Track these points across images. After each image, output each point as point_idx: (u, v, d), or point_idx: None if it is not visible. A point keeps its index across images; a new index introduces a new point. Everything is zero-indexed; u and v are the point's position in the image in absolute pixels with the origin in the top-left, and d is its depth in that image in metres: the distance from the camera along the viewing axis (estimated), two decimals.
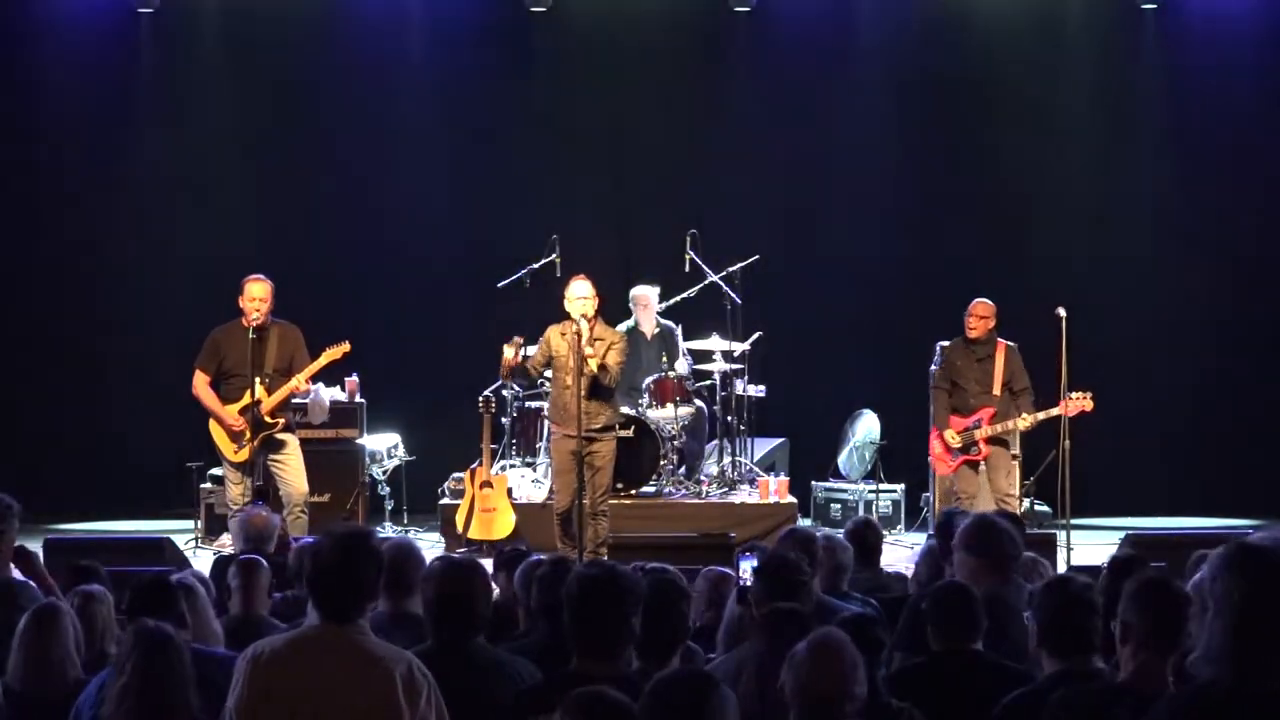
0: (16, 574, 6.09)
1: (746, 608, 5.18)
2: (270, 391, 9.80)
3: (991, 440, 10.72)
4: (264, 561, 6.23)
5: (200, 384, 9.92)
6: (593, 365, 9.72)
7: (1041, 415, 10.68)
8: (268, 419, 9.80)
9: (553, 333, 10.05)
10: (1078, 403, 10.51)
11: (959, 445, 10.70)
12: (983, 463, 10.72)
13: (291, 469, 9.97)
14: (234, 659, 4.34)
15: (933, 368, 11.15)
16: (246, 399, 9.75)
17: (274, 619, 5.93)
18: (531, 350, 10.25)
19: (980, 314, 10.79)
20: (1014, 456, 11.57)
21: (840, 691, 3.87)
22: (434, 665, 4.46)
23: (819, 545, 6.34)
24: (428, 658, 4.57)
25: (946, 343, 11.10)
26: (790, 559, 5.38)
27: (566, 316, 9.95)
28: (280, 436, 9.95)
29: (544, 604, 5.25)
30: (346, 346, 10.05)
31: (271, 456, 9.94)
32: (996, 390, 10.71)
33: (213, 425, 9.95)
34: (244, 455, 9.83)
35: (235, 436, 9.84)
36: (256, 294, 9.79)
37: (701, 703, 3.55)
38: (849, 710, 3.88)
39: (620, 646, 4.33)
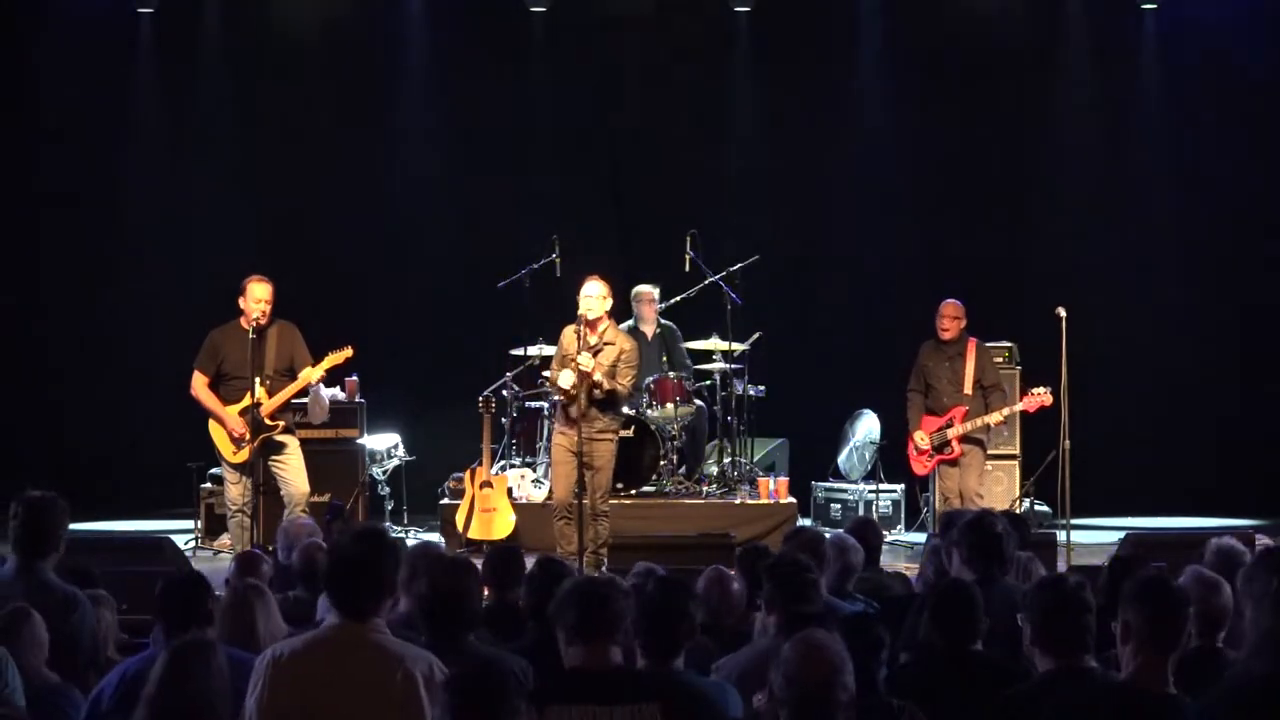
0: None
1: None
2: (271, 393, 9.74)
3: (966, 440, 10.75)
4: (265, 559, 6.23)
5: (199, 385, 9.87)
6: (599, 377, 9.70)
7: (1006, 411, 10.78)
8: (268, 421, 9.77)
9: (567, 332, 9.98)
10: (1037, 399, 10.61)
11: (929, 446, 10.75)
12: (957, 461, 10.75)
13: (292, 469, 9.93)
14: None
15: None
16: (246, 400, 9.71)
17: None
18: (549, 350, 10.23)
19: (951, 314, 10.88)
20: (1013, 457, 11.61)
21: (830, 680, 3.88)
22: None
23: (826, 545, 6.35)
24: None
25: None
26: (800, 560, 5.42)
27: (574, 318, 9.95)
28: (280, 438, 9.90)
29: (534, 604, 5.26)
30: (349, 351, 9.99)
31: (272, 457, 9.90)
32: (967, 389, 10.77)
33: (212, 425, 9.91)
34: (243, 456, 9.78)
35: (235, 438, 9.82)
36: (260, 294, 9.70)
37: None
38: (842, 700, 3.88)
39: (613, 641, 4.36)
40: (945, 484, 10.85)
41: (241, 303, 9.77)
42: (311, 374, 9.80)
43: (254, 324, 9.60)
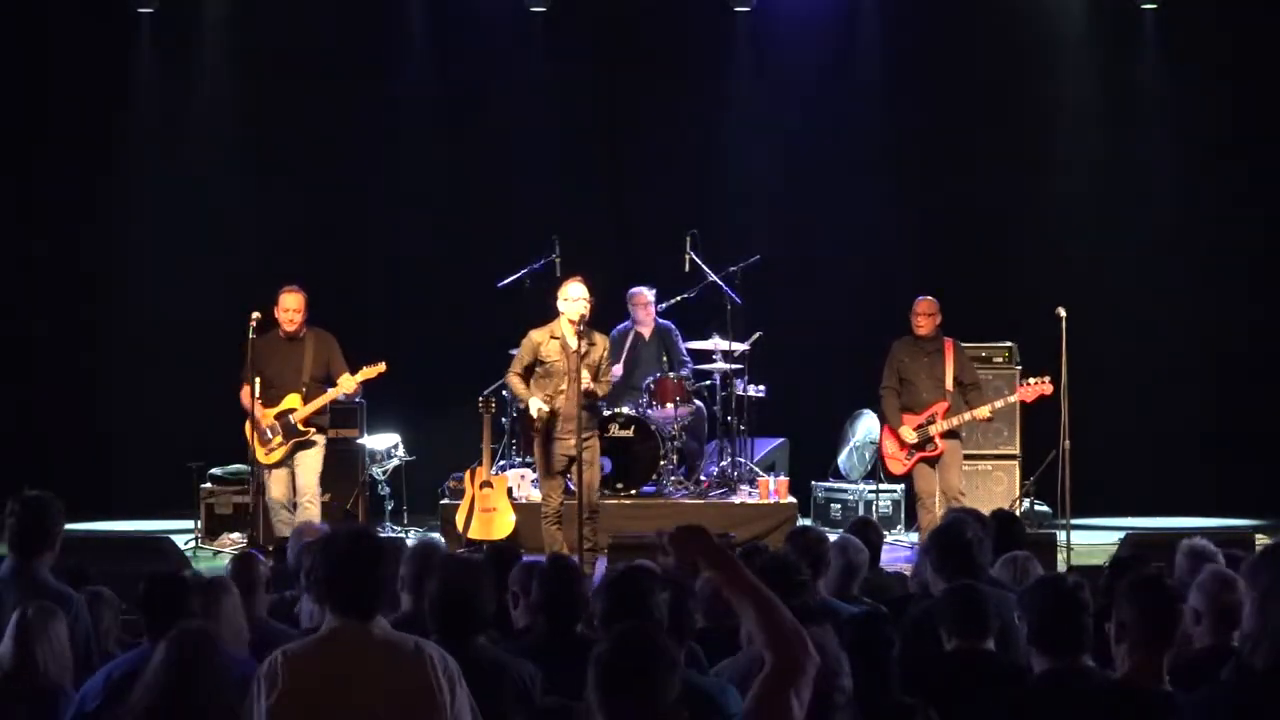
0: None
1: None
2: (306, 400, 10.19)
3: (946, 435, 10.73)
4: (262, 559, 6.22)
5: (244, 395, 10.23)
6: (599, 389, 9.84)
7: (1000, 403, 10.81)
8: (300, 426, 10.20)
9: (541, 337, 10.01)
10: (1036, 388, 10.61)
11: (915, 441, 10.72)
12: (937, 460, 10.73)
13: (307, 464, 10.34)
14: (250, 664, 4.29)
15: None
16: (283, 405, 10.16)
17: (270, 619, 5.89)
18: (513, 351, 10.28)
19: (926, 311, 10.86)
20: (1013, 457, 11.59)
21: (827, 684, 3.88)
22: None
23: (829, 547, 6.33)
24: None
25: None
26: (789, 560, 5.40)
27: (554, 318, 9.97)
28: (313, 438, 10.37)
29: (545, 601, 5.23)
30: (382, 366, 10.42)
31: (299, 453, 10.36)
32: (949, 385, 10.76)
33: (249, 429, 10.26)
34: (276, 457, 10.23)
35: (265, 439, 10.15)
36: (288, 304, 10.25)
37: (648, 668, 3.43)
38: (838, 701, 3.89)
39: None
40: (920, 484, 10.79)
41: (275, 313, 10.25)
42: (350, 383, 10.26)
43: (287, 333, 10.18)
